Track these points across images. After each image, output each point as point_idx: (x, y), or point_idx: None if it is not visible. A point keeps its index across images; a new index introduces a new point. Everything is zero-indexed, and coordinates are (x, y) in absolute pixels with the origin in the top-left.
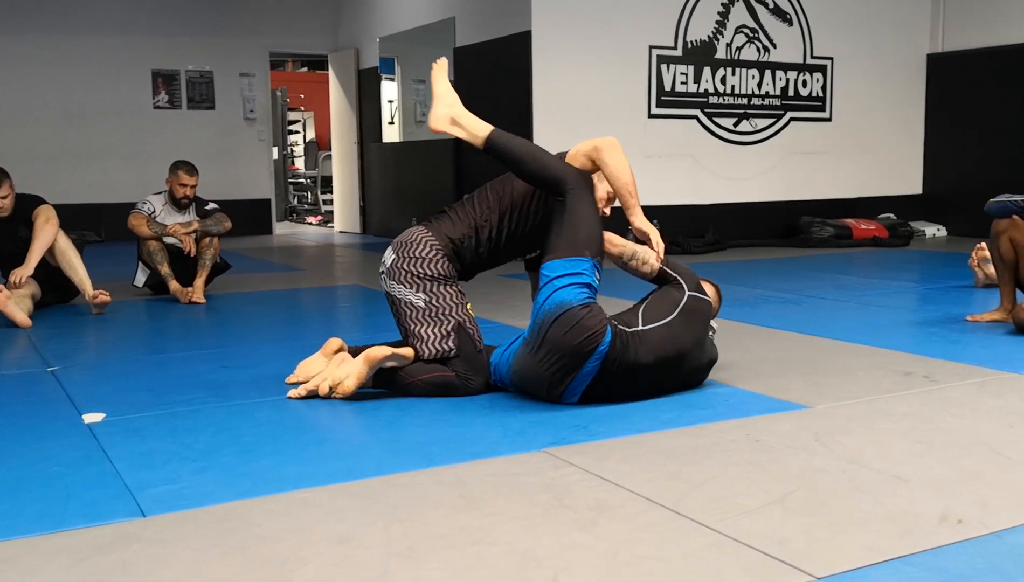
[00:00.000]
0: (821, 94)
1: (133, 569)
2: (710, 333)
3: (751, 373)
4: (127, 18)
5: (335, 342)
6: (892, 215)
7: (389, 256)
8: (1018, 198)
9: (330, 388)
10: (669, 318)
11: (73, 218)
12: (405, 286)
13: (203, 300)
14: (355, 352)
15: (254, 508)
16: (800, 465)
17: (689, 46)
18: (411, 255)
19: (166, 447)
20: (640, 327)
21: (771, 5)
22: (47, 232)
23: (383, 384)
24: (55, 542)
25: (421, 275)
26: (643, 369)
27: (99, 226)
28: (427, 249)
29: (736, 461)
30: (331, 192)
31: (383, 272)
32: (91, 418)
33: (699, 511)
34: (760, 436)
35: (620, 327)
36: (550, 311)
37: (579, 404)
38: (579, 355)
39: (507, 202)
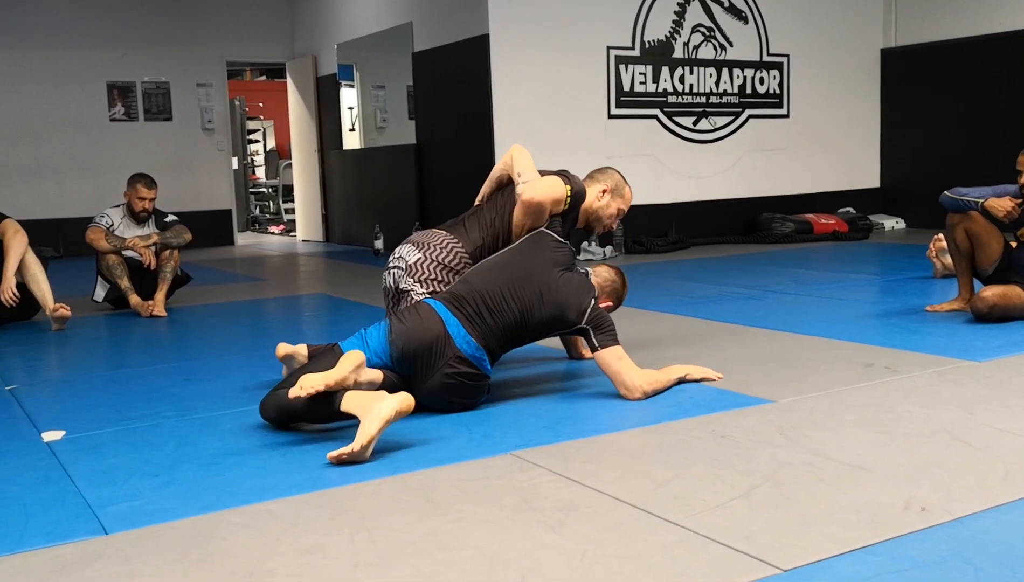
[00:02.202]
0: (778, 91)
1: None
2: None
3: (715, 369)
4: (80, 30)
5: (282, 348)
6: (851, 209)
7: (411, 254)
8: (971, 196)
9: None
10: (507, 249)
11: (30, 234)
12: (424, 286)
13: (164, 313)
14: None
15: (218, 522)
16: (765, 459)
17: (647, 46)
18: (438, 259)
19: (127, 463)
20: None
21: (726, 4)
22: (19, 243)
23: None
24: (14, 563)
25: (443, 281)
26: (492, 289)
27: (57, 242)
28: (453, 257)
29: (702, 457)
30: (293, 201)
31: (398, 267)
32: (51, 436)
33: (666, 508)
34: (725, 432)
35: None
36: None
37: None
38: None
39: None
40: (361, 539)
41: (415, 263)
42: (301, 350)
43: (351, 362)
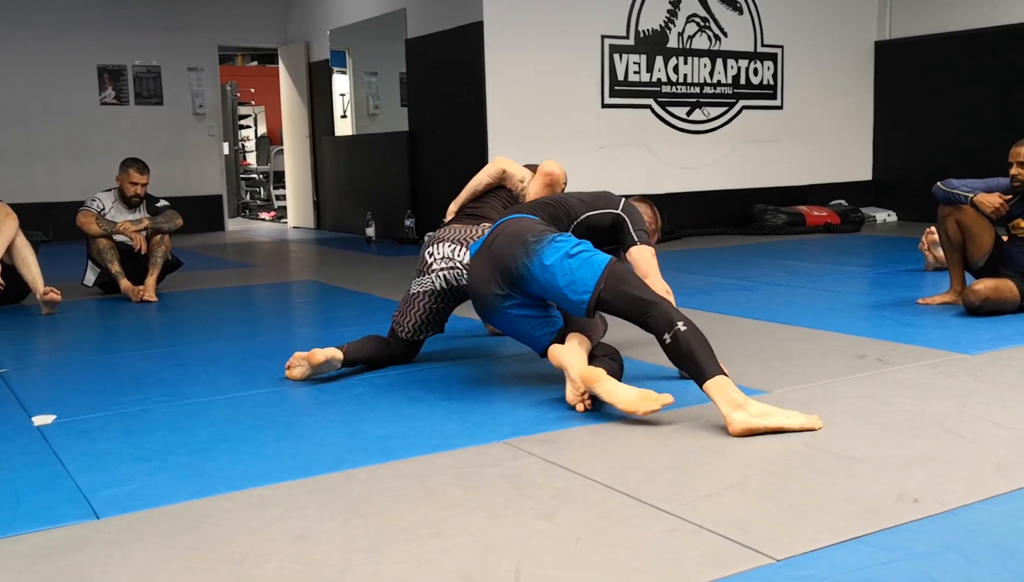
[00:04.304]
0: (772, 82)
1: (87, 572)
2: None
3: None
4: (70, 13)
5: (320, 354)
6: (843, 201)
7: (464, 253)
8: (962, 189)
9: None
10: None
11: (20, 218)
12: None
13: (155, 298)
14: None
15: (211, 507)
16: (758, 449)
17: (641, 35)
18: None
19: (119, 448)
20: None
21: None
22: (9, 227)
23: None
24: (5, 547)
25: None
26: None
27: (47, 226)
28: None
29: (695, 447)
30: (284, 187)
31: (454, 267)
32: (41, 420)
33: (659, 497)
34: (720, 421)
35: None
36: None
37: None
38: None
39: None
40: (354, 525)
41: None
42: (337, 354)
43: (570, 354)
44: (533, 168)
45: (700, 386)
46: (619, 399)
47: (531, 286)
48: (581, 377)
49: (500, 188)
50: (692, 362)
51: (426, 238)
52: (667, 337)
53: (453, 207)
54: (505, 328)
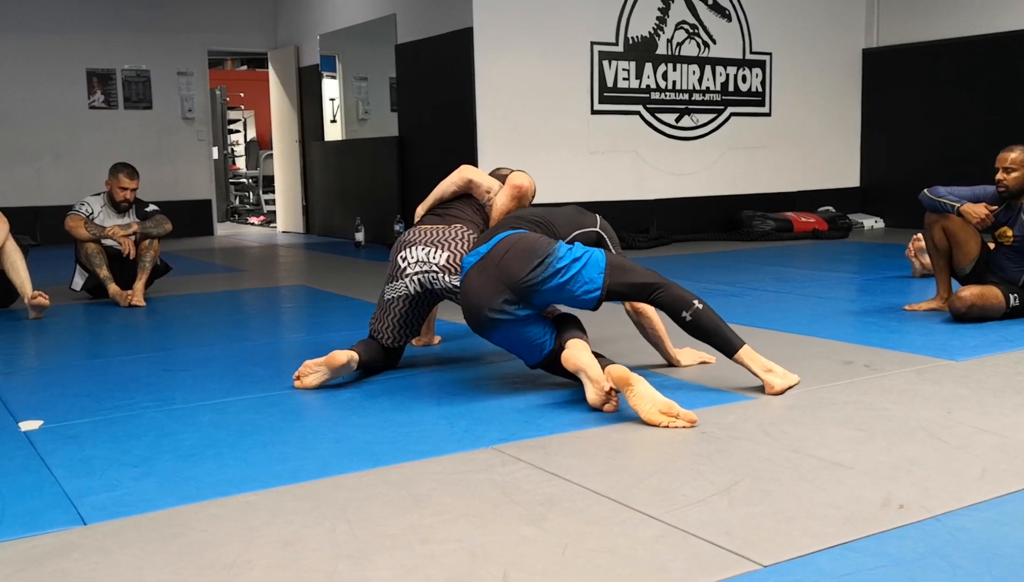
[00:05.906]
0: (760, 89)
1: (74, 578)
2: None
3: (696, 366)
4: (59, 16)
5: (340, 356)
6: (831, 208)
7: (438, 255)
8: (949, 198)
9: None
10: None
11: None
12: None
13: (143, 303)
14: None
15: (198, 513)
16: (745, 455)
17: (630, 42)
18: (464, 251)
19: (106, 453)
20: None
21: (710, 1)
22: (0, 231)
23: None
24: None
25: None
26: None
27: (34, 230)
28: (473, 245)
29: (682, 453)
30: (273, 192)
31: (429, 271)
32: (28, 425)
33: (647, 503)
34: (706, 428)
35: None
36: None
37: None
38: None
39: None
40: (341, 531)
41: (447, 262)
42: (355, 355)
43: (585, 355)
44: (500, 177)
45: (730, 357)
46: (643, 410)
47: (544, 296)
48: (613, 377)
49: (467, 195)
50: (716, 336)
51: (395, 243)
52: (687, 315)
53: (420, 210)
54: (504, 340)
